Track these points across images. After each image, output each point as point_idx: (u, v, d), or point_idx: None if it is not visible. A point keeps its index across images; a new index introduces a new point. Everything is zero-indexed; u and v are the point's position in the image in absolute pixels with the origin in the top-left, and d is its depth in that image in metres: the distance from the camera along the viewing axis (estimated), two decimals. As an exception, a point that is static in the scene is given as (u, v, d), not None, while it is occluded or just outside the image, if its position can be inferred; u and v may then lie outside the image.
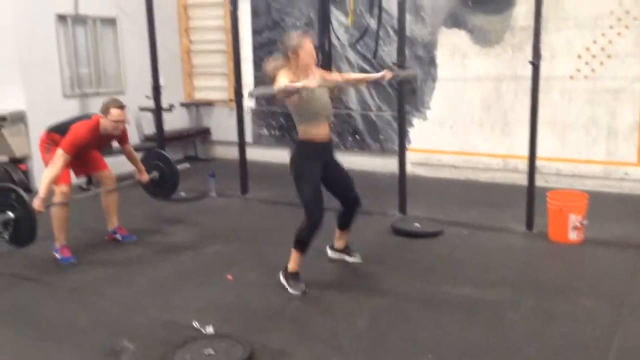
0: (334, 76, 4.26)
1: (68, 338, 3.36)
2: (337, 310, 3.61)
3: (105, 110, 4.43)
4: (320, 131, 3.86)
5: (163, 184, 5.21)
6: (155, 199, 5.48)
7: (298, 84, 3.53)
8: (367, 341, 3.24)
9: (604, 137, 6.18)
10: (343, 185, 4.09)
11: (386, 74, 4.12)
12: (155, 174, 5.11)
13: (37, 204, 4.06)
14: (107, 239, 4.93)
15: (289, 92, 3.58)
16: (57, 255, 4.46)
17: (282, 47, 3.82)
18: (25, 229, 4.07)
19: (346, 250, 4.37)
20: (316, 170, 3.86)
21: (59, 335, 3.40)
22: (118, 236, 4.90)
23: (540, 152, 6.17)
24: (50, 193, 4.26)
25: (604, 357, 3.00)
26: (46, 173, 4.25)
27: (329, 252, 4.41)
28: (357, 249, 4.40)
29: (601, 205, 5.53)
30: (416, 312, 3.59)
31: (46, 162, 4.45)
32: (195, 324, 3.38)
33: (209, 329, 3.33)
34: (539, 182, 6.19)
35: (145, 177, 4.97)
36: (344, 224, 4.26)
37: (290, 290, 3.85)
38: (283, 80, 3.64)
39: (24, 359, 3.17)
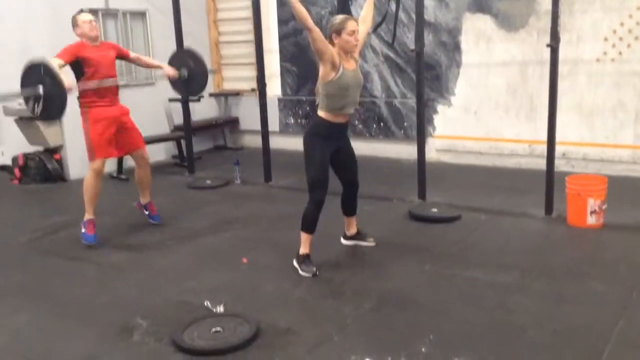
0: (361, 32, 3.93)
1: (87, 315, 3.54)
2: (346, 292, 3.69)
3: (74, 23, 4.58)
4: (342, 116, 3.93)
5: (192, 81, 5.29)
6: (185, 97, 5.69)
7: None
8: (371, 322, 3.31)
9: (632, 120, 6.03)
10: (348, 170, 4.18)
11: None
12: (184, 71, 5.19)
13: (67, 80, 4.26)
14: (136, 206, 5.16)
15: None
16: (82, 229, 4.64)
17: (328, 29, 3.82)
18: (54, 100, 4.22)
19: (359, 235, 4.43)
20: (326, 152, 3.93)
21: (78, 313, 3.58)
22: (146, 212, 5.09)
23: (566, 137, 6.13)
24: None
25: (606, 340, 2.97)
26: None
27: (343, 241, 4.47)
28: (371, 234, 4.46)
29: (627, 189, 5.44)
30: (423, 295, 3.62)
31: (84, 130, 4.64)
32: (207, 304, 3.51)
33: (220, 309, 3.46)
34: (566, 167, 6.15)
35: (169, 71, 5.07)
36: (348, 209, 4.34)
37: (301, 272, 3.94)
38: (330, 48, 3.70)
39: (43, 334, 3.35)
